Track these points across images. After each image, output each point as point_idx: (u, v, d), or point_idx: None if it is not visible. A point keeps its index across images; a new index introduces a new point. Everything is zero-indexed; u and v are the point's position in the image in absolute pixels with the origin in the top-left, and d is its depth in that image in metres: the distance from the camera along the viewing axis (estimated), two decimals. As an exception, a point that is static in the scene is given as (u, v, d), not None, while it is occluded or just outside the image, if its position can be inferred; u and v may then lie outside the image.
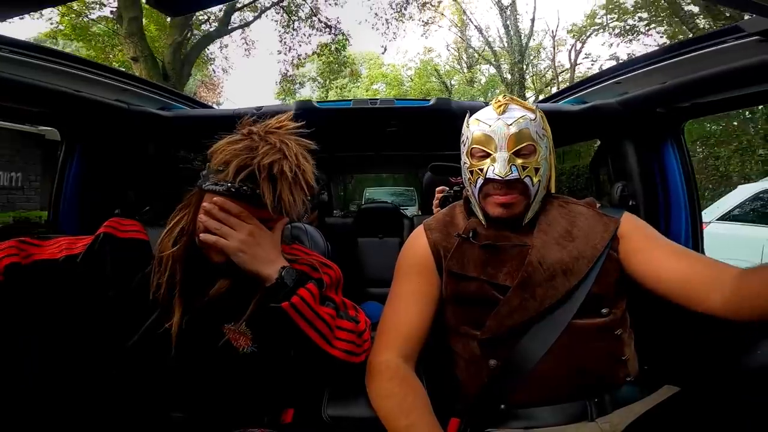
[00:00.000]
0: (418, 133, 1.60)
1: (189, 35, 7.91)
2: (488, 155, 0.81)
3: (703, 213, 3.87)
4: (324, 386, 0.87)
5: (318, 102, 1.32)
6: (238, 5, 8.51)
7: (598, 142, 1.45)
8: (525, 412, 0.76)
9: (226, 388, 0.75)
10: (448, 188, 1.82)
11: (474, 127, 0.83)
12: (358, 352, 0.76)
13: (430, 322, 0.84)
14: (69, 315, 0.76)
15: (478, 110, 0.88)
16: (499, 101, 0.84)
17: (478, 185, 0.83)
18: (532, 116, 0.82)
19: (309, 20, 9.34)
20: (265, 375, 0.78)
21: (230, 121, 0.75)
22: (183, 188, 0.77)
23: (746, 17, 0.76)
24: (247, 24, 9.04)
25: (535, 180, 0.81)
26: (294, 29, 9.36)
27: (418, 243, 0.89)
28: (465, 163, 0.86)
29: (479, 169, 0.81)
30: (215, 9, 8.45)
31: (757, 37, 0.73)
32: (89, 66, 1.04)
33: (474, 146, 0.83)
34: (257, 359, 0.75)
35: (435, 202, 1.91)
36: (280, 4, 8.86)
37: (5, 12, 0.41)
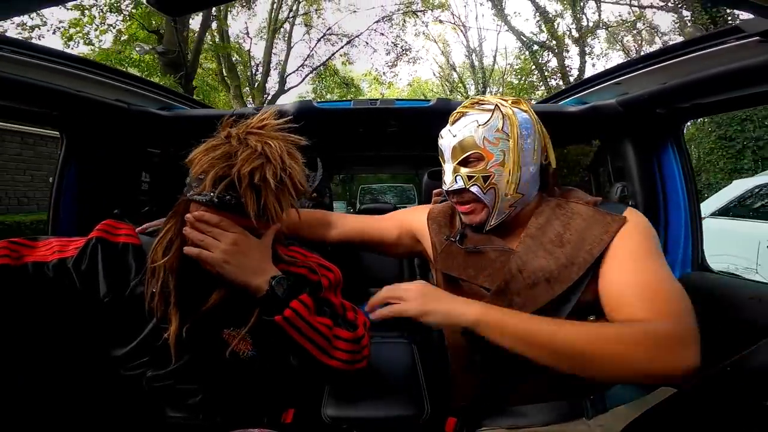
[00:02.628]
0: (418, 133, 1.60)
1: (265, 98, 12.01)
2: (444, 165, 0.84)
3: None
4: (324, 386, 0.87)
5: (318, 102, 1.32)
6: (289, 71, 12.92)
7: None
8: (517, 410, 0.76)
9: (227, 390, 0.75)
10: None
11: (440, 137, 0.86)
12: (358, 359, 0.75)
13: (374, 232, 1.02)
14: (60, 319, 0.75)
15: None
16: (456, 111, 0.83)
17: (445, 194, 0.87)
18: (484, 119, 0.77)
19: (332, 77, 14.44)
20: (265, 378, 0.78)
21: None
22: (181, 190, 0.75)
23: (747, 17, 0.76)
24: (296, 86, 13.56)
25: (486, 188, 0.77)
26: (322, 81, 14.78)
27: (420, 216, 0.98)
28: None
29: (444, 180, 0.85)
30: (275, 76, 12.72)
31: (757, 38, 0.73)
32: (89, 66, 1.03)
33: (440, 156, 0.86)
34: (258, 363, 0.75)
35: (432, 206, 1.90)
36: (316, 70, 13.65)
37: (6, 11, 0.41)
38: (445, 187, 0.83)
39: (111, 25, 7.80)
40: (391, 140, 1.69)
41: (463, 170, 0.79)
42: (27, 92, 0.95)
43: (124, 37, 7.96)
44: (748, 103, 1.01)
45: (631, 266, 0.70)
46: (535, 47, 11.96)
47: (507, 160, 0.77)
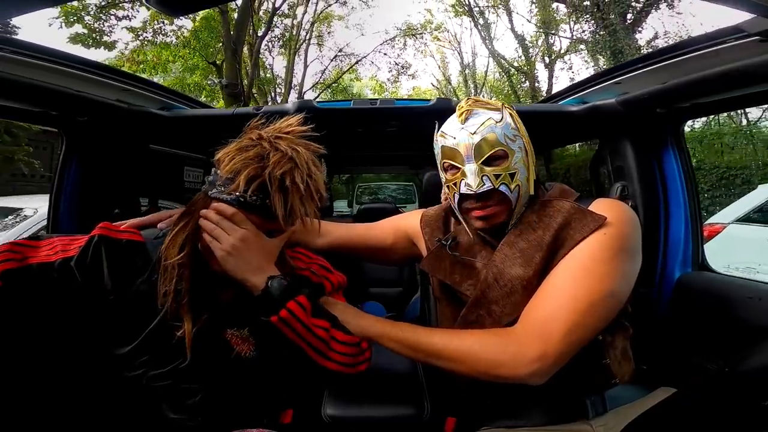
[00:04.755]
0: (418, 133, 1.60)
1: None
2: (458, 169, 0.77)
3: (721, 213, 3.68)
4: (323, 387, 0.87)
5: (318, 102, 1.32)
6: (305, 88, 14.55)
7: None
8: (517, 410, 0.76)
9: (227, 390, 0.75)
10: None
11: (440, 141, 0.80)
12: (360, 361, 0.75)
13: (364, 241, 1.02)
14: (64, 320, 0.75)
15: None
16: (461, 108, 0.79)
17: (456, 200, 0.80)
18: (498, 117, 0.76)
19: (342, 93, 16.46)
20: (265, 378, 0.78)
21: (230, 121, 0.75)
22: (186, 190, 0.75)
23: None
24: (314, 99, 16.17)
25: (513, 186, 0.75)
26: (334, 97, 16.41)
27: (413, 219, 0.98)
28: (443, 178, 0.83)
29: (453, 183, 0.78)
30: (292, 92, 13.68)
31: (757, 38, 0.73)
32: (89, 66, 1.04)
33: (444, 161, 0.80)
34: (259, 364, 0.75)
35: (445, 197, 1.90)
36: (329, 87, 15.29)
37: (9, 10, 0.41)
38: (466, 190, 0.75)
39: (181, 56, 10.32)
40: (391, 140, 1.69)
41: (488, 170, 0.74)
42: (27, 92, 0.96)
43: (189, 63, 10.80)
44: (748, 103, 1.01)
45: (569, 273, 0.69)
46: (512, 71, 14.19)
47: (524, 157, 0.77)
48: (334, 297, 0.80)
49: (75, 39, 8.33)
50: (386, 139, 1.68)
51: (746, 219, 3.42)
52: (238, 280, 0.68)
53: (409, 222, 0.99)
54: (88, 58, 1.05)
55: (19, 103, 1.02)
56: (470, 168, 0.75)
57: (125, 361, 0.72)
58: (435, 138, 0.83)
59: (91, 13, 8.30)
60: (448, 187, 0.81)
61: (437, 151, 0.82)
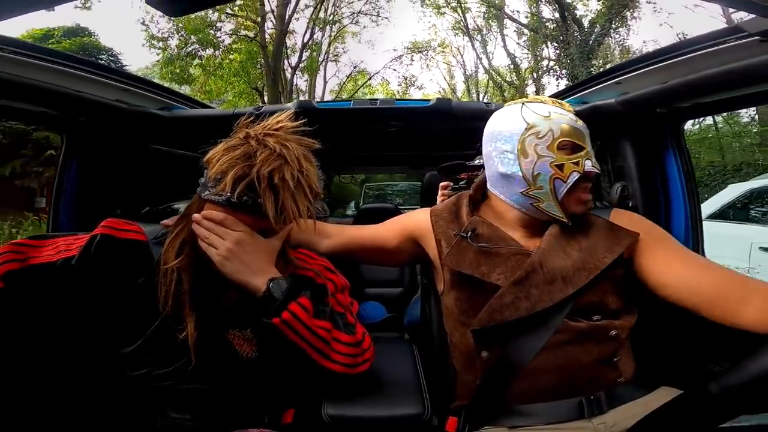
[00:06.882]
0: (419, 133, 1.60)
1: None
2: (581, 149, 0.80)
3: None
4: (324, 386, 0.87)
5: (318, 102, 1.32)
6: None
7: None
8: (520, 409, 0.76)
9: (228, 390, 0.75)
10: (452, 183, 1.82)
11: (558, 119, 0.79)
12: (359, 362, 0.75)
13: (369, 243, 1.00)
14: (67, 319, 0.75)
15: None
16: (545, 99, 0.87)
17: (572, 180, 0.78)
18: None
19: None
20: (266, 378, 0.77)
21: (230, 121, 0.74)
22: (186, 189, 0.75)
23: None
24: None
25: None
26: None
27: (420, 217, 0.96)
28: (548, 157, 0.78)
29: (573, 162, 0.78)
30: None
31: (757, 38, 0.73)
32: (89, 66, 1.04)
33: (565, 139, 0.79)
34: (261, 364, 0.75)
35: (441, 198, 1.90)
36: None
37: (5, 12, 0.41)
38: (592, 169, 0.80)
39: (230, 83, 12.00)
40: (392, 140, 1.69)
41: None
42: (27, 92, 0.95)
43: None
44: (749, 103, 1.01)
45: (690, 255, 0.80)
46: (504, 85, 15.54)
47: None
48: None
49: (165, 77, 10.93)
50: (387, 139, 1.68)
51: (716, 216, 3.67)
52: (238, 283, 0.67)
53: (414, 220, 0.98)
54: (88, 59, 1.05)
55: (19, 104, 1.02)
56: (591, 150, 0.82)
57: (129, 361, 0.72)
58: (536, 113, 0.81)
59: (176, 53, 10.99)
60: (559, 167, 0.78)
61: (550, 127, 0.79)
